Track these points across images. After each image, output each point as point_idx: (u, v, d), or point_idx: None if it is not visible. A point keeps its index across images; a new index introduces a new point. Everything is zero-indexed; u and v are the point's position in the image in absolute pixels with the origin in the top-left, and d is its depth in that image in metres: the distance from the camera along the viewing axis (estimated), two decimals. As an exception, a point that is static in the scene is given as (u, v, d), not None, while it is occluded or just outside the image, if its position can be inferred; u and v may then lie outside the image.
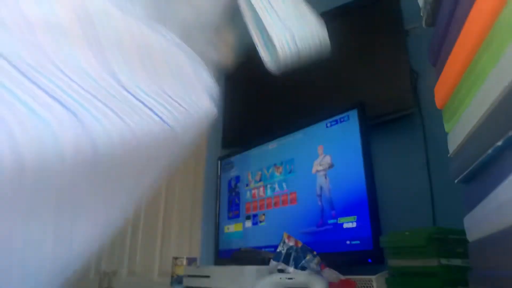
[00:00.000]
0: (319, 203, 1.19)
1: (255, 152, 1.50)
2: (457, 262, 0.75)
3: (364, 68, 1.40)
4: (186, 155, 0.43)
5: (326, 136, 1.23)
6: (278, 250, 0.93)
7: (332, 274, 0.90)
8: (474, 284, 0.31)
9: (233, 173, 1.58)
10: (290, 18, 0.56)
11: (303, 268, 0.87)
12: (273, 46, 0.53)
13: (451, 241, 0.76)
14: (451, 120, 0.35)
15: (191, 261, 1.42)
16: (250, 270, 0.96)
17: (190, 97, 0.41)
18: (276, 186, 1.36)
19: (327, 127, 1.24)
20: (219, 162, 1.68)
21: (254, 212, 1.42)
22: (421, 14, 0.42)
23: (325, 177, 1.19)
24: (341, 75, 1.46)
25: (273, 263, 0.92)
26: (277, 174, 1.37)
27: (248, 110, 1.75)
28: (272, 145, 1.43)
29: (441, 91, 0.36)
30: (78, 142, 0.30)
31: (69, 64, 0.33)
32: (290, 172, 1.32)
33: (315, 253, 0.89)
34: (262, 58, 0.58)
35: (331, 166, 1.18)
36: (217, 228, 1.58)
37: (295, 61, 0.55)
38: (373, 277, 0.93)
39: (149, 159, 0.38)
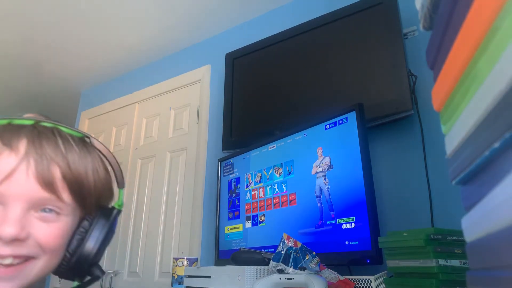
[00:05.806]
0: (318, 204, 1.19)
1: (255, 153, 1.51)
2: (455, 262, 0.75)
3: (363, 71, 1.40)
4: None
5: (325, 138, 1.23)
6: (277, 250, 0.94)
7: (331, 274, 0.90)
8: (471, 284, 0.31)
9: (233, 174, 1.59)
10: None
11: (303, 269, 0.87)
12: None
13: (449, 241, 0.77)
14: (448, 122, 0.35)
15: (191, 261, 1.42)
16: (250, 270, 0.96)
17: None
18: (276, 187, 1.37)
19: (326, 129, 1.24)
20: (219, 163, 1.68)
21: (254, 213, 1.43)
22: (419, 17, 0.43)
23: (324, 179, 1.19)
24: (340, 78, 1.47)
25: (272, 263, 0.92)
26: (277, 175, 1.38)
27: (248, 113, 1.76)
28: (271, 147, 1.44)
29: (438, 93, 0.37)
30: None
31: None
32: (289, 173, 1.33)
33: (314, 253, 0.90)
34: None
35: (330, 167, 1.19)
36: (218, 228, 1.59)
37: None
38: (371, 277, 0.94)
39: None
